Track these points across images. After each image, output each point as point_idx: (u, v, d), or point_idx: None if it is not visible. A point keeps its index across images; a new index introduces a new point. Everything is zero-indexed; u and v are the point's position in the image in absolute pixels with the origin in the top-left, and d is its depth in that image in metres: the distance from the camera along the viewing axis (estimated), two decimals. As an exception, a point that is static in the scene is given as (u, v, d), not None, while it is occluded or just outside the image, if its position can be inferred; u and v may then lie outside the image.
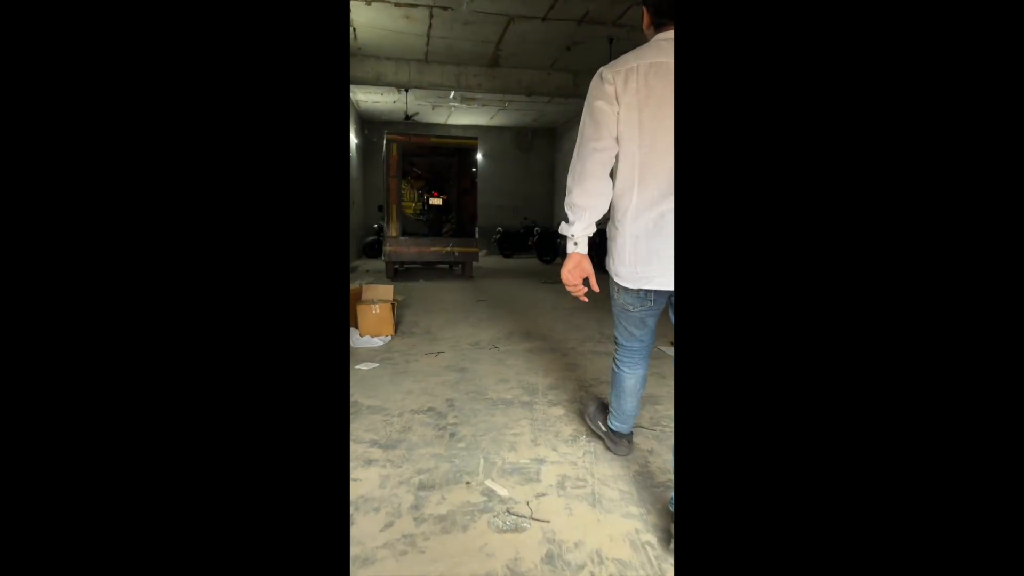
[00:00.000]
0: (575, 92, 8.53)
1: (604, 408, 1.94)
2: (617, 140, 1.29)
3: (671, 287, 1.26)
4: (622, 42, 7.07)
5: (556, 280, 6.99)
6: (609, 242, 1.41)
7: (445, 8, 6.09)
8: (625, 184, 1.29)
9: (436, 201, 8.27)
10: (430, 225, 8.45)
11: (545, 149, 13.61)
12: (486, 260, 11.66)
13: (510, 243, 12.23)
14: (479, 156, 12.87)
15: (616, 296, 1.47)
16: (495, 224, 12.91)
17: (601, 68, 1.31)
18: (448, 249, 7.27)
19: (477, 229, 7.85)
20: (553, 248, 10.23)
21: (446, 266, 8.47)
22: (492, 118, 11.99)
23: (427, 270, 8.41)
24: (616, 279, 1.40)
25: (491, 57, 7.78)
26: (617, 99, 1.25)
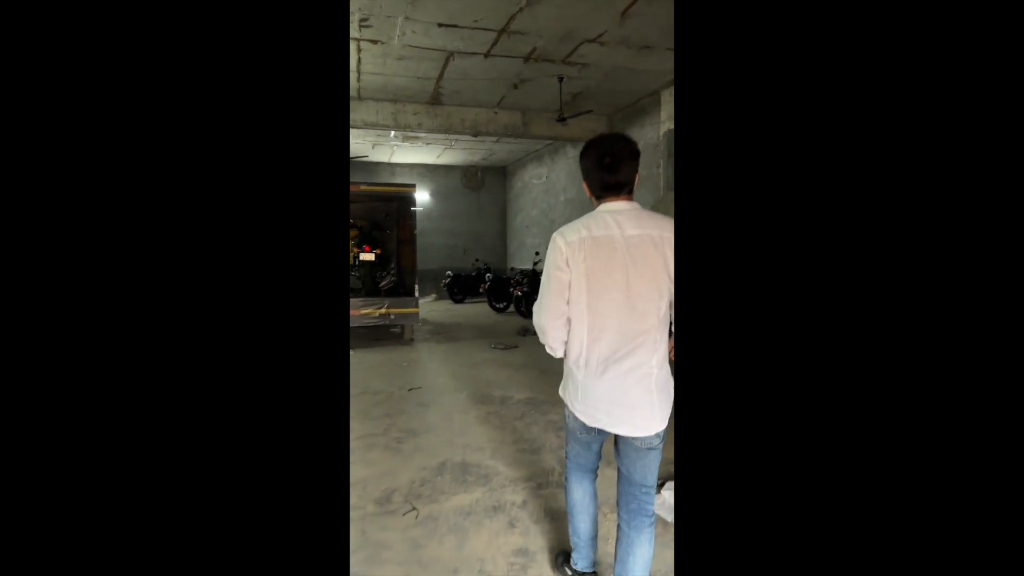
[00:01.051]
0: (525, 132, 7.89)
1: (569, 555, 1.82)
2: (569, 302, 1.42)
3: (614, 430, 1.42)
4: (573, 81, 6.50)
5: (509, 343, 6.16)
6: (566, 375, 1.51)
7: (374, 42, 5.32)
8: (576, 337, 1.42)
9: (368, 257, 7.28)
10: (364, 283, 7.45)
11: (496, 187, 12.96)
12: (435, 306, 10.77)
13: (461, 287, 11.38)
14: (426, 196, 12.12)
15: (568, 420, 1.54)
16: (444, 266, 12.04)
17: (555, 235, 1.42)
18: (383, 311, 6.33)
19: (417, 287, 6.94)
20: (506, 294, 9.45)
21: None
22: (439, 156, 11.25)
23: (360, 334, 7.38)
24: (569, 407, 1.49)
25: (432, 94, 7.05)
26: (569, 265, 1.38)
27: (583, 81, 6.54)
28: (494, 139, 9.63)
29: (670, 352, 1.42)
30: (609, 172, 1.34)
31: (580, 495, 1.60)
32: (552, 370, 4.61)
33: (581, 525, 1.62)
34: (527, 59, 5.80)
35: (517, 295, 8.14)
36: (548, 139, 8.11)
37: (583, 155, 1.40)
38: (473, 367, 4.94)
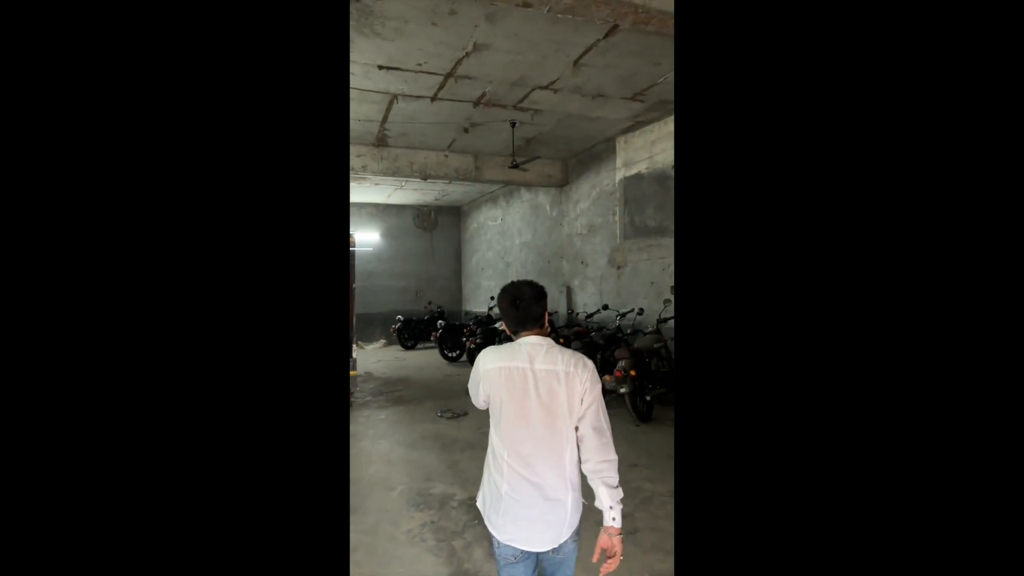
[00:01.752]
0: (477, 176, 7.55)
1: None
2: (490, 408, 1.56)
3: (532, 549, 1.45)
4: (526, 127, 6.24)
5: (458, 410, 5.60)
6: (484, 481, 1.57)
7: (308, 80, 4.85)
8: (494, 451, 1.51)
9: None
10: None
11: (451, 228, 12.55)
12: (384, 354, 10.08)
13: (412, 332, 10.75)
14: (376, 236, 11.56)
15: (495, 547, 1.55)
16: (395, 310, 11.40)
17: (481, 355, 1.55)
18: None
19: (357, 342, 6.32)
20: (460, 342, 8.91)
21: None
22: (389, 196, 10.76)
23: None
24: (488, 526, 1.52)
25: (377, 136, 6.62)
26: (484, 388, 1.52)
27: (536, 127, 6.28)
28: (447, 180, 9.26)
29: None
30: (519, 311, 1.48)
31: None
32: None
33: None
34: (477, 103, 5.48)
35: (470, 347, 7.61)
36: (501, 183, 7.80)
37: (499, 298, 1.56)
38: (414, 447, 4.30)
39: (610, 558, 1.39)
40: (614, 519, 1.36)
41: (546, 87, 5.05)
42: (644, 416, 4.71)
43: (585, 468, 1.41)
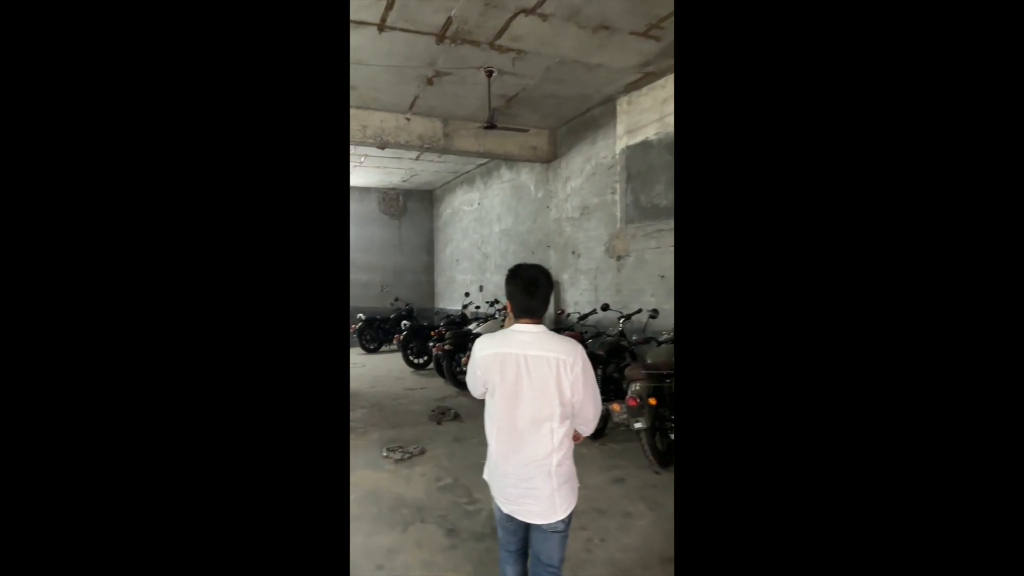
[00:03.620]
0: (448, 146, 6.17)
1: None
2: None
3: (522, 519, 1.58)
4: (505, 79, 4.89)
5: (414, 448, 4.25)
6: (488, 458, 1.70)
7: None
8: (489, 431, 1.63)
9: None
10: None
11: (421, 214, 11.14)
12: (341, 359, 8.69)
13: (374, 334, 9.37)
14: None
15: (495, 509, 1.70)
16: (357, 307, 9.96)
17: (477, 343, 1.64)
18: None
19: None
20: (427, 347, 7.56)
21: None
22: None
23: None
24: (491, 490, 1.69)
25: (316, 89, 5.19)
26: (482, 373, 1.61)
27: (519, 79, 4.94)
28: (412, 156, 7.85)
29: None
30: (531, 299, 1.56)
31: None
32: (463, 531, 2.76)
33: None
34: (441, 38, 4.12)
35: (438, 353, 6.24)
36: (477, 155, 6.44)
37: (509, 280, 1.61)
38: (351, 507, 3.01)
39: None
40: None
41: (532, 11, 3.71)
42: (664, 459, 3.42)
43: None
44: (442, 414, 4.88)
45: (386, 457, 3.78)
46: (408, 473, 3.52)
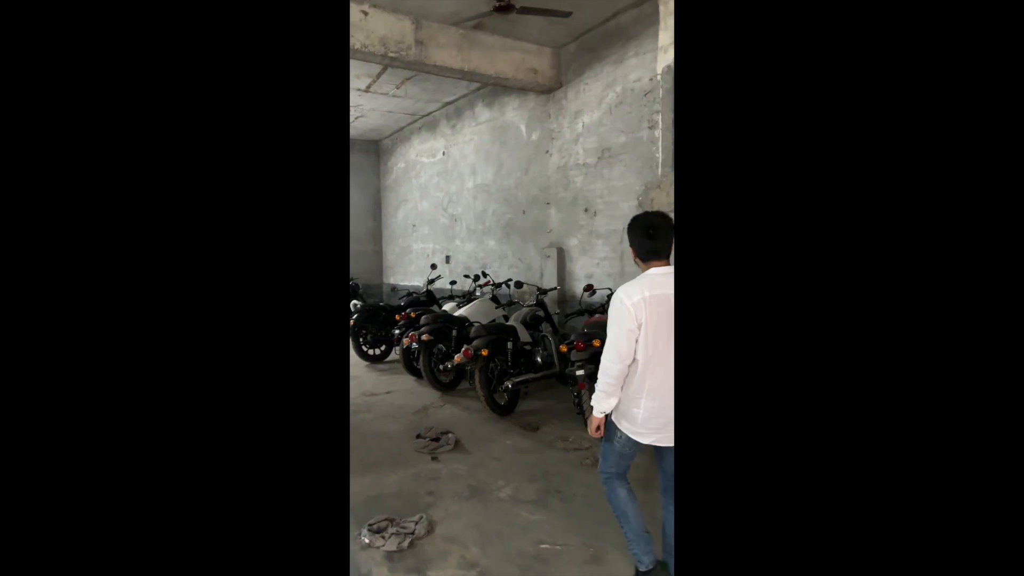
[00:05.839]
0: (420, 57, 4.39)
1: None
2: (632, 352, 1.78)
3: (666, 444, 1.78)
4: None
5: (378, 523, 2.66)
6: (623, 407, 1.84)
7: None
8: (635, 376, 1.77)
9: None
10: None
11: (365, 170, 9.20)
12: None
13: (313, 317, 7.48)
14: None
15: (616, 444, 1.88)
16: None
17: (619, 293, 1.73)
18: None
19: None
20: (387, 337, 5.85)
21: None
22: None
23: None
24: (624, 431, 1.84)
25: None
26: (639, 325, 1.70)
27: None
28: (362, 84, 5.93)
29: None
30: (652, 240, 1.72)
31: (624, 494, 1.92)
32: None
33: (633, 519, 1.91)
34: None
35: (410, 344, 4.56)
36: (458, 73, 4.71)
37: (629, 230, 1.81)
38: None
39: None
40: None
41: None
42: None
43: None
44: (435, 441, 3.30)
45: (369, 545, 2.16)
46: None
